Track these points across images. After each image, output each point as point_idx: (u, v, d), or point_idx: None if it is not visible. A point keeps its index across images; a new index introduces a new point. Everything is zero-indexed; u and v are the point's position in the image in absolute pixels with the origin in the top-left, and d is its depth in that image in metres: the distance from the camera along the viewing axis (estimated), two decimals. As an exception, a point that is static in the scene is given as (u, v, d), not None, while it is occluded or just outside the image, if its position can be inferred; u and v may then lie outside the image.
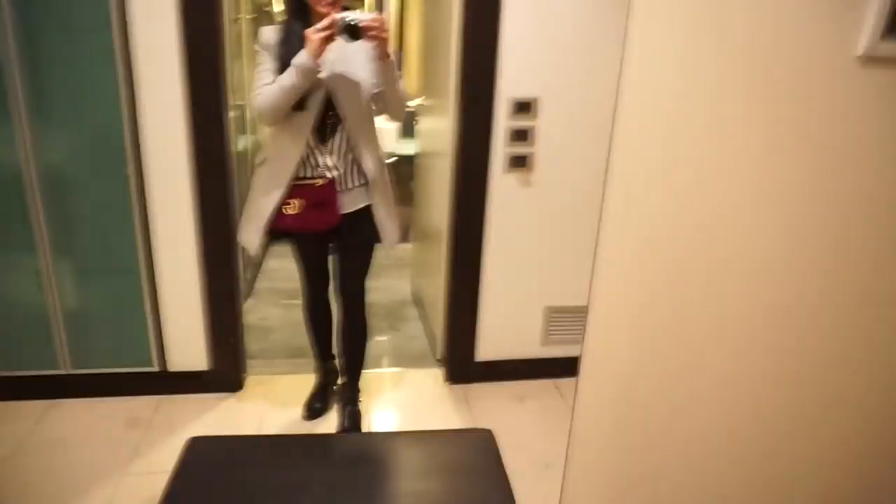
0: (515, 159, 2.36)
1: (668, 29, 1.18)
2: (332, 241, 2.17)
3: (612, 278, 1.35)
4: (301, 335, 2.85)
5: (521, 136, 2.33)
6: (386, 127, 2.09)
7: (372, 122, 2.06)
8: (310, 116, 1.93)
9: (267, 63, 1.94)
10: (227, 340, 2.45)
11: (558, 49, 2.28)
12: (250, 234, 2.05)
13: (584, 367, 1.50)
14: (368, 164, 2.03)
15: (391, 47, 1.90)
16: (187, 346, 2.44)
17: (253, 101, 1.94)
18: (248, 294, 3.37)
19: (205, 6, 2.07)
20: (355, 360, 2.31)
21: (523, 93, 2.30)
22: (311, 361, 2.52)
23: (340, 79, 1.94)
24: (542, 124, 2.34)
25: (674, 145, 1.24)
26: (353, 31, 1.79)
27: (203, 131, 2.18)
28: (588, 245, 2.48)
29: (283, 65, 1.89)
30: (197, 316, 2.40)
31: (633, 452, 1.47)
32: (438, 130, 2.72)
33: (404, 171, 4.40)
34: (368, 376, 2.68)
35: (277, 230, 2.05)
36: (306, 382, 2.51)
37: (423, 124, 3.23)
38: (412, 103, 3.76)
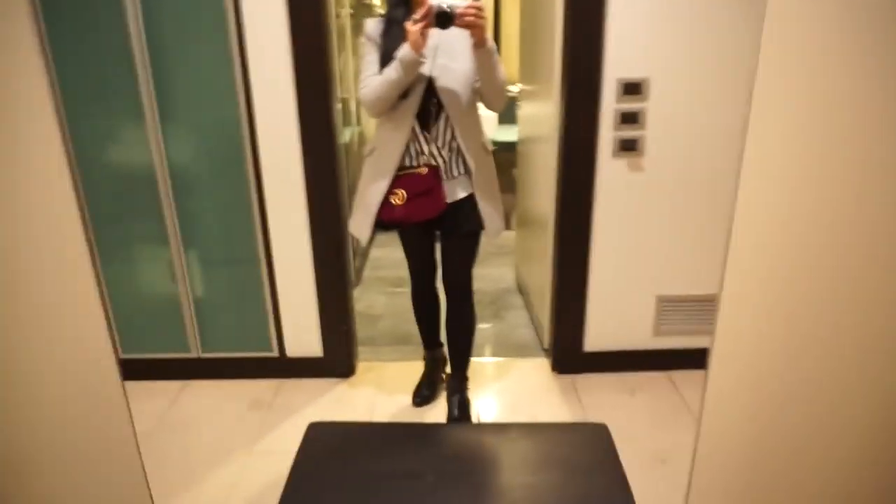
0: (624, 143, 2.27)
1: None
2: (437, 230, 2.18)
3: (745, 269, 1.29)
4: (407, 322, 2.91)
5: (630, 118, 2.24)
6: (487, 114, 2.07)
7: (475, 110, 2.04)
8: (412, 104, 1.93)
9: (371, 54, 1.97)
10: (339, 328, 2.55)
11: (669, 25, 2.16)
12: (361, 224, 2.08)
13: (714, 363, 1.43)
14: (471, 153, 2.02)
15: (489, 33, 1.85)
16: (303, 333, 2.56)
17: (359, 93, 1.98)
18: (356, 283, 3.48)
19: (311, 7, 2.14)
20: (463, 350, 2.33)
21: (632, 73, 2.20)
22: (417, 348, 2.57)
23: (441, 67, 1.93)
24: (653, 106, 2.23)
25: (816, 127, 1.14)
26: (447, 18, 1.74)
27: (312, 126, 2.27)
28: (702, 232, 2.37)
29: (386, 55, 1.91)
30: (311, 304, 2.51)
31: (764, 453, 1.38)
32: (541, 115, 2.67)
33: (505, 158, 4.37)
34: (475, 365, 2.70)
35: (385, 220, 2.06)
36: (414, 369, 2.56)
37: (525, 110, 3.18)
38: (512, 89, 3.71)
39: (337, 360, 2.60)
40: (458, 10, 1.74)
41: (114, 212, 2.38)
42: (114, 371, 1.12)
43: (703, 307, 2.52)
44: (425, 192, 1.98)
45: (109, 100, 2.24)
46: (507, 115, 4.35)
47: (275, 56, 2.18)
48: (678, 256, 2.45)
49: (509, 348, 2.86)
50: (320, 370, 2.60)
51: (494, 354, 2.81)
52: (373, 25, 1.98)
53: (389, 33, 1.94)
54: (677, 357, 2.59)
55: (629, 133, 2.26)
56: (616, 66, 2.20)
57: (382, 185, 2.01)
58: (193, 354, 2.58)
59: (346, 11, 3.45)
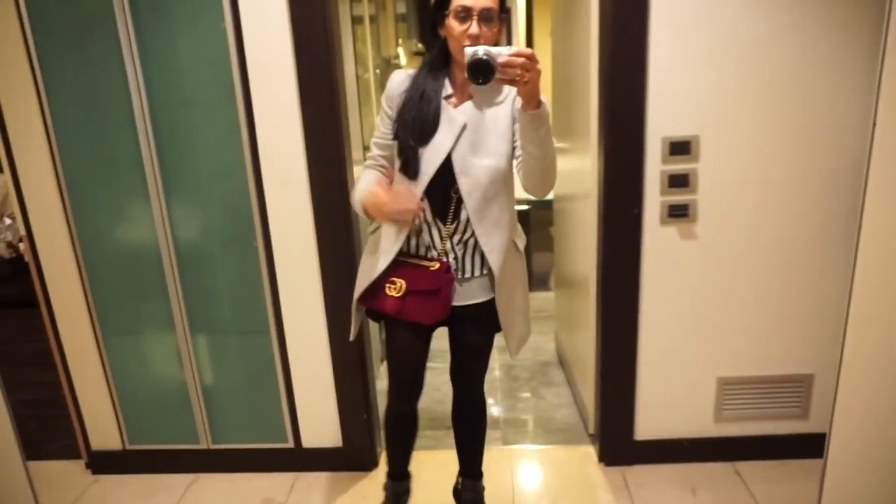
0: (674, 208, 2.01)
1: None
2: (431, 333, 1.78)
3: (870, 342, 1.17)
4: (441, 403, 2.66)
5: (679, 181, 1.99)
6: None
7: (502, 200, 1.61)
8: (421, 184, 1.56)
9: (384, 126, 1.64)
10: (359, 417, 2.30)
11: (719, 76, 1.92)
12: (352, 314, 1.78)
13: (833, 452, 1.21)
14: (494, 253, 1.62)
15: (541, 91, 1.38)
16: (320, 422, 2.32)
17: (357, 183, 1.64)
18: (383, 358, 3.24)
19: (322, 73, 1.98)
20: (481, 440, 1.97)
21: (679, 131, 1.96)
22: (449, 434, 2.29)
23: (462, 157, 1.54)
24: (705, 167, 1.98)
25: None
26: (486, 70, 1.28)
27: (325, 194, 2.07)
28: (767, 306, 2.08)
29: (409, 102, 1.57)
30: (329, 389, 2.28)
31: None
32: (578, 172, 2.43)
33: (542, 216, 4.14)
34: (511, 454, 2.42)
35: (373, 312, 1.72)
36: (443, 459, 2.28)
37: (561, 165, 2.95)
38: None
39: (357, 452, 2.35)
40: (501, 60, 1.27)
41: (118, 293, 2.22)
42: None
43: (771, 390, 2.20)
44: (429, 291, 1.61)
45: (112, 174, 2.10)
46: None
47: (285, 123, 2.01)
48: (741, 333, 2.15)
49: (550, 434, 2.55)
50: (340, 462, 2.35)
51: (533, 441, 2.51)
52: (398, 79, 1.61)
53: (413, 93, 1.57)
54: (742, 445, 2.26)
55: (679, 198, 2.01)
56: (661, 123, 1.96)
57: (379, 267, 1.64)
58: (203, 445, 2.37)
59: (371, 71, 3.32)
